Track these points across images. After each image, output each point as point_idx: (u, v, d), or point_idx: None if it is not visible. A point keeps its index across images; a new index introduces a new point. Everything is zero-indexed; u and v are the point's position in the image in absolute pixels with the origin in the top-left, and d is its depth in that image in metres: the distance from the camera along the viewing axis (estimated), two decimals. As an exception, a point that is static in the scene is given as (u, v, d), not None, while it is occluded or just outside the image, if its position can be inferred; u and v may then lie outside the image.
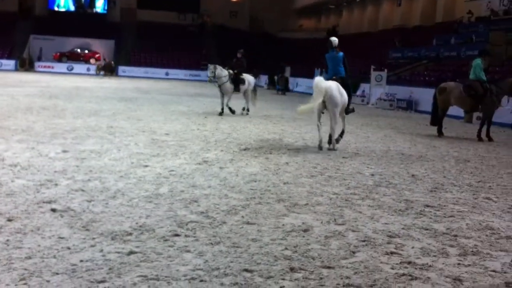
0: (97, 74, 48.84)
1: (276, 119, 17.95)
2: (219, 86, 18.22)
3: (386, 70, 30.70)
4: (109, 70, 49.15)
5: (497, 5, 33.15)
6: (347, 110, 11.97)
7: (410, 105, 26.82)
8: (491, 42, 28.55)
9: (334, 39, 12.32)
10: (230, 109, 18.23)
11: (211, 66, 18.27)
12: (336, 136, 11.48)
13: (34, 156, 8.75)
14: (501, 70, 25.57)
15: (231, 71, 18.39)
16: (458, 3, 41.34)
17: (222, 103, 18.24)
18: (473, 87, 14.89)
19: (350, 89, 12.20)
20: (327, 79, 11.49)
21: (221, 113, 17.94)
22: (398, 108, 27.38)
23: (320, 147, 11.19)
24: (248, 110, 18.86)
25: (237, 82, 18.32)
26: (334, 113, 11.18)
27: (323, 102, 10.97)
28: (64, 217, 5.62)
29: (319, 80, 10.99)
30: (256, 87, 19.43)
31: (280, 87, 39.88)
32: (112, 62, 50.05)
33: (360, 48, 48.06)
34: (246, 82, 18.66)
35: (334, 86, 11.12)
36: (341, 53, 12.10)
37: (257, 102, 19.78)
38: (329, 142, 11.49)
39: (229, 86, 18.20)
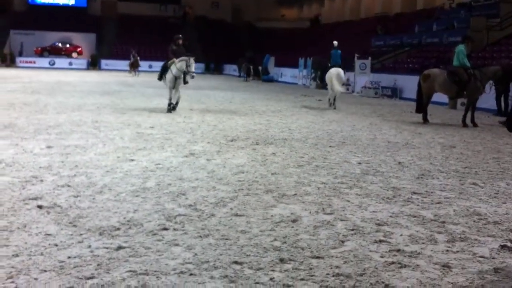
0: (131, 72, 42.35)
1: (262, 109, 17.91)
2: (176, 79, 15.80)
3: (370, 58, 30.74)
4: (136, 66, 42.48)
5: (478, -10, 33.30)
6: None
7: (394, 93, 26.91)
8: (472, 27, 28.68)
9: (335, 42, 20.70)
10: (175, 104, 16.21)
11: (191, 59, 15.71)
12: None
13: (18, 153, 8.64)
14: (483, 55, 25.75)
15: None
16: (439, -10, 41.51)
17: (172, 98, 16.01)
18: (457, 73, 14.96)
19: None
20: (332, 65, 19.81)
21: (172, 109, 15.93)
22: (383, 96, 27.44)
23: (332, 105, 19.30)
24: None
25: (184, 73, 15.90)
26: (339, 86, 19.11)
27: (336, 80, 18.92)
28: (50, 213, 5.56)
29: (336, 70, 19.26)
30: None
31: (244, 75, 43.04)
32: (138, 58, 42.96)
33: (343, 36, 48.09)
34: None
35: (341, 70, 19.35)
36: (339, 51, 20.32)
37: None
38: (333, 104, 19.29)
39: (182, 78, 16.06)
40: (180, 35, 17.05)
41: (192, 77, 16.16)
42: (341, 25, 53.33)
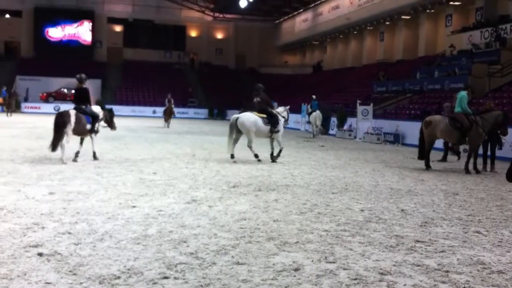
0: (166, 121, 34.82)
1: (264, 155, 17.88)
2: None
3: (372, 104, 30.99)
4: (170, 115, 35.01)
5: (479, 38, 33.80)
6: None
7: (397, 139, 26.99)
8: (473, 74, 29.00)
9: (314, 96, 32.06)
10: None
11: None
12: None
13: (20, 199, 8.64)
14: (484, 102, 25.89)
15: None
16: (439, 38, 42.19)
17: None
18: (458, 120, 15.00)
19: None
20: (312, 111, 30.89)
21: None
22: (385, 142, 27.52)
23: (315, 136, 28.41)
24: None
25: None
26: (319, 123, 30.56)
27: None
28: (51, 261, 5.52)
29: (317, 113, 30.41)
30: None
31: None
32: (173, 105, 35.38)
33: (345, 82, 48.69)
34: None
35: (320, 113, 30.43)
36: (316, 102, 31.55)
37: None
38: (317, 134, 30.34)
39: None
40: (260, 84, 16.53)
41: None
42: (343, 71, 54.00)
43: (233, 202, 9.09)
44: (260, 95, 16.12)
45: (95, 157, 14.39)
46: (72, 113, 13.58)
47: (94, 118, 14.23)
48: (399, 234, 7.26)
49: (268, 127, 15.72)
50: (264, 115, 15.76)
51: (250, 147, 15.73)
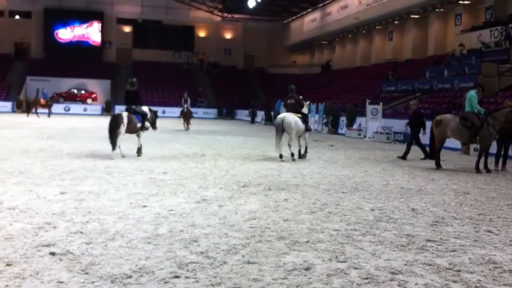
0: (184, 125, 32.13)
1: (274, 154, 17.89)
2: None
3: (381, 104, 30.90)
4: (188, 118, 32.28)
5: (488, 37, 33.62)
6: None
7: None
8: (483, 73, 28.87)
9: (308, 101, 23.13)
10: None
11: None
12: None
13: (32, 199, 8.70)
14: (494, 101, 25.79)
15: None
16: (449, 37, 42.03)
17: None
18: (469, 119, 14.93)
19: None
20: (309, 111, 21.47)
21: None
22: (395, 141, 27.43)
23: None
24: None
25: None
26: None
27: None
28: (63, 260, 5.56)
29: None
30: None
31: (251, 119, 48.25)
32: (187, 105, 32.43)
33: (354, 82, 48.60)
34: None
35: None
36: (309, 104, 23.67)
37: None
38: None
39: None
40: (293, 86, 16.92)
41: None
42: (352, 71, 53.93)
43: (243, 202, 9.11)
44: (294, 97, 16.82)
45: (139, 153, 15.87)
46: (125, 115, 15.26)
47: (144, 117, 15.94)
48: (410, 233, 7.24)
49: (304, 126, 16.59)
50: (300, 115, 16.54)
51: (290, 145, 16.29)
